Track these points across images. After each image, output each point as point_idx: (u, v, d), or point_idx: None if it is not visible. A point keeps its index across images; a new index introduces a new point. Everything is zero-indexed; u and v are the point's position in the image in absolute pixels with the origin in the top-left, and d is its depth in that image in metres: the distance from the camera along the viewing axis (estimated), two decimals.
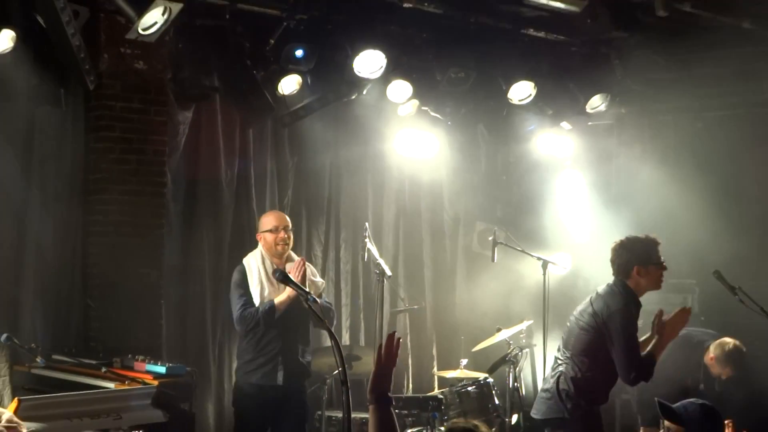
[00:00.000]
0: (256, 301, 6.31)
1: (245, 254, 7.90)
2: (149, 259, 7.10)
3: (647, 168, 8.94)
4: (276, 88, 7.25)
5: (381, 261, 7.02)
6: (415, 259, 9.42)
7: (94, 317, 6.84)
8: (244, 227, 7.89)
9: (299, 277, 6.13)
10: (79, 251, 6.92)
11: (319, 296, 6.37)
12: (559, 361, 5.79)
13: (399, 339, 3.48)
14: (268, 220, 6.58)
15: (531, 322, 8.27)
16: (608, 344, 5.58)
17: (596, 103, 8.33)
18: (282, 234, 6.44)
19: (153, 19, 5.94)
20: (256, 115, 7.47)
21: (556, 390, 5.69)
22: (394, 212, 9.29)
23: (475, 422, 3.76)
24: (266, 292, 6.32)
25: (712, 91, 8.57)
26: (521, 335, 8.18)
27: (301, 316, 6.37)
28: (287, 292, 6.20)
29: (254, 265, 6.44)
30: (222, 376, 7.78)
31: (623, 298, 5.60)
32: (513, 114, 8.60)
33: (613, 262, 5.71)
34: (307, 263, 6.50)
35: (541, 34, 7.71)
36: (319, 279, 6.84)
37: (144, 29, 5.96)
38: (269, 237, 6.45)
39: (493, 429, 7.44)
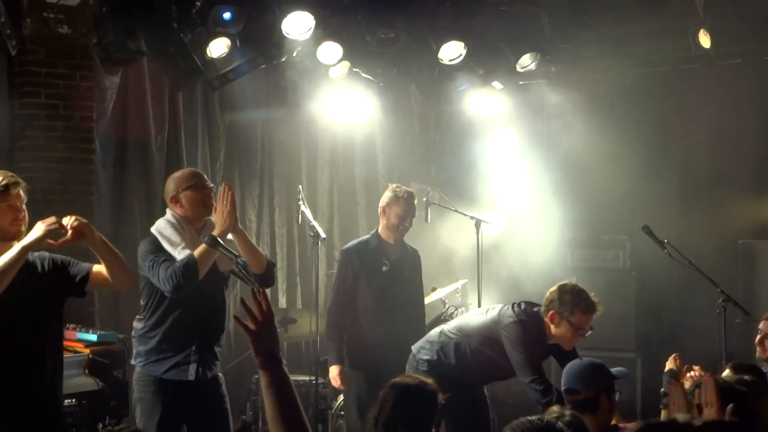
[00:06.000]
0: None
1: None
2: None
3: (577, 125, 9.03)
4: (204, 51, 7.15)
5: (315, 223, 7.01)
6: (350, 220, 9.44)
7: None
8: None
9: (229, 206, 5.18)
10: None
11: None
12: None
13: (262, 292, 3.28)
14: None
15: (465, 281, 8.34)
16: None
17: (526, 62, 8.34)
18: None
19: None
20: (185, 78, 7.37)
21: None
22: (328, 174, 9.29)
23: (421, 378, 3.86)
24: None
25: (639, 48, 8.66)
26: (456, 294, 8.25)
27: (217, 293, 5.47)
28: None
29: None
30: None
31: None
32: (444, 74, 8.59)
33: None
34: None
35: None
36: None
37: None
38: None
39: None
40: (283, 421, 3.02)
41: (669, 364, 4.91)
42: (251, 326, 3.12)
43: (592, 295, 5.55)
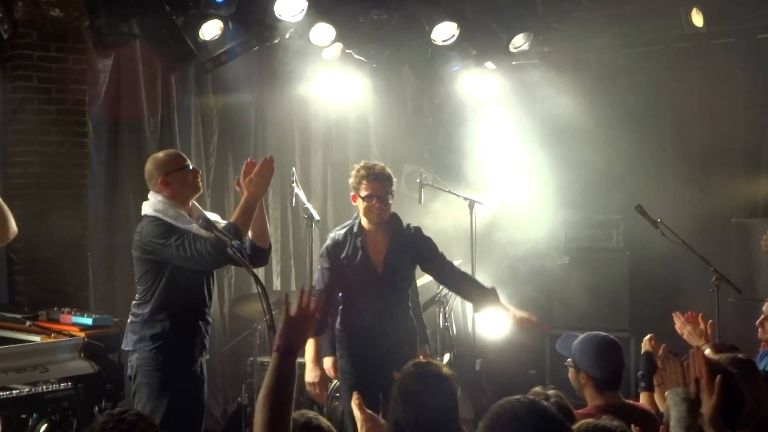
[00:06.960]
0: None
1: None
2: (73, 210, 7.01)
3: (570, 106, 9.01)
4: (197, 34, 7.14)
5: (309, 206, 7.02)
6: (344, 202, 9.41)
7: (17, 271, 6.75)
8: None
9: (269, 174, 5.18)
10: None
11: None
12: None
13: (316, 299, 3.37)
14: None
15: (460, 261, 8.31)
16: None
17: (519, 42, 8.33)
18: None
19: None
20: (177, 61, 7.34)
21: None
22: (322, 156, 9.29)
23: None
24: None
25: (632, 28, 8.64)
26: None
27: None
28: None
29: None
30: None
31: None
32: (437, 55, 8.58)
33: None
34: None
35: None
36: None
37: None
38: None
39: None
40: (270, 403, 3.12)
41: (645, 346, 4.89)
42: (292, 312, 3.30)
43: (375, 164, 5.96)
